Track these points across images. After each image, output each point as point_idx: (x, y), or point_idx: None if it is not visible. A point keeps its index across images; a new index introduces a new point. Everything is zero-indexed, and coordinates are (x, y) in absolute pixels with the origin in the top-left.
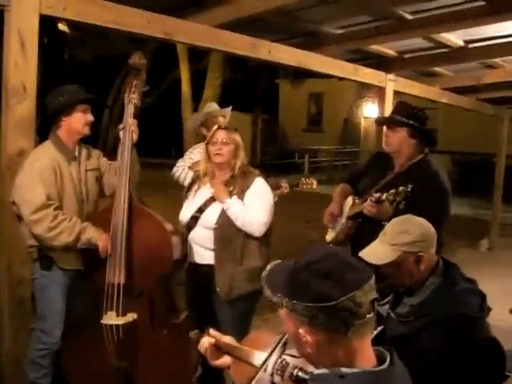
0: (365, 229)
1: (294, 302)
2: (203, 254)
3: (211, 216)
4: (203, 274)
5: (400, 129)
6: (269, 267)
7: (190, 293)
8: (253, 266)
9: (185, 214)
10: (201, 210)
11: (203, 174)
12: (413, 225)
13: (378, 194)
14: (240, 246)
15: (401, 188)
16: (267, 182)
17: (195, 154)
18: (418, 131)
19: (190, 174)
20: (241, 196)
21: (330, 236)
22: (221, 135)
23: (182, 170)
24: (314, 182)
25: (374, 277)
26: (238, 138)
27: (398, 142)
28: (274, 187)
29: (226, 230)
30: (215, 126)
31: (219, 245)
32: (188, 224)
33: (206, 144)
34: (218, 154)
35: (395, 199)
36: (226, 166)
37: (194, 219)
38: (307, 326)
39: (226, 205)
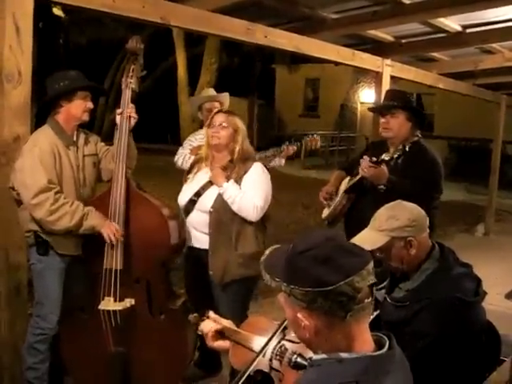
0: (359, 204)
1: (292, 286)
2: (200, 238)
3: (208, 200)
4: (200, 258)
5: (398, 113)
6: (267, 252)
7: (188, 277)
8: (248, 251)
9: (183, 198)
10: (198, 194)
11: (204, 158)
12: (401, 210)
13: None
14: (235, 231)
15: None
16: (266, 167)
17: (194, 141)
18: (413, 114)
19: (191, 159)
20: (238, 181)
21: (325, 213)
22: (219, 118)
23: (184, 157)
24: (318, 139)
25: (372, 262)
26: (238, 122)
27: (398, 126)
28: (278, 153)
29: (222, 214)
30: (215, 110)
31: (214, 229)
32: (186, 207)
33: (207, 127)
34: (214, 136)
35: (392, 157)
36: (223, 149)
37: (192, 203)
38: (305, 310)
39: (223, 189)
